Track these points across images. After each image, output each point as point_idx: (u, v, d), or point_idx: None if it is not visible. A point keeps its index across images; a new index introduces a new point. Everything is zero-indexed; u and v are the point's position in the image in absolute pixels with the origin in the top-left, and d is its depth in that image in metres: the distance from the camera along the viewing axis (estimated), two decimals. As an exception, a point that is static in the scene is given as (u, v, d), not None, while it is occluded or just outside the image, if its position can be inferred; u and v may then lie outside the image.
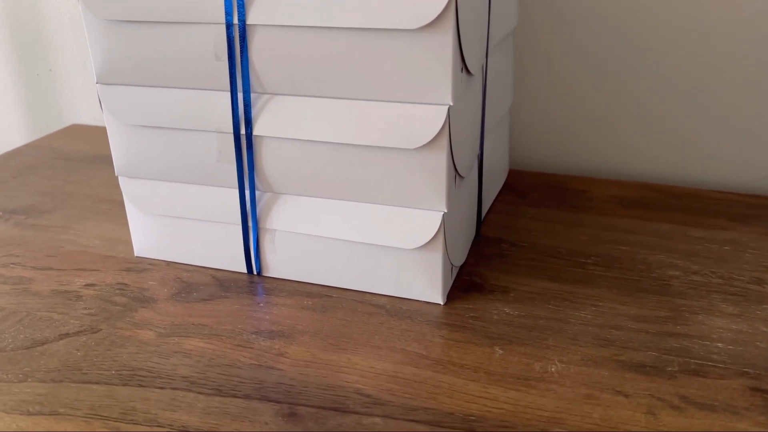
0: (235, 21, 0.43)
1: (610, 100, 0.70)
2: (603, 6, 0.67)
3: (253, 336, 0.46)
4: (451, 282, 0.51)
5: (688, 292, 0.50)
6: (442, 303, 0.49)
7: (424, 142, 0.43)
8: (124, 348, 0.45)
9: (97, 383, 0.42)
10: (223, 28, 0.44)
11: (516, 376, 0.42)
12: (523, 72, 0.71)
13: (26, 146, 0.83)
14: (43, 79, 0.92)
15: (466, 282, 0.52)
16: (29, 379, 0.42)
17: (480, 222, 0.59)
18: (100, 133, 0.87)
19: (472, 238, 0.57)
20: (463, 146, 0.47)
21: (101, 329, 0.47)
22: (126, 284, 0.52)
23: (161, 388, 0.41)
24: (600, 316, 0.47)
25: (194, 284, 0.52)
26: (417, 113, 0.43)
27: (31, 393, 0.41)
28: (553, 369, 0.42)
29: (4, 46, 0.92)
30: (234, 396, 0.40)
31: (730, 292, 0.50)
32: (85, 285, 0.52)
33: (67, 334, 0.47)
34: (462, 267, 0.53)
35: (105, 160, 0.78)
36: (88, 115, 0.93)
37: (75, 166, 0.76)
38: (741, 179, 0.69)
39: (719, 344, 0.44)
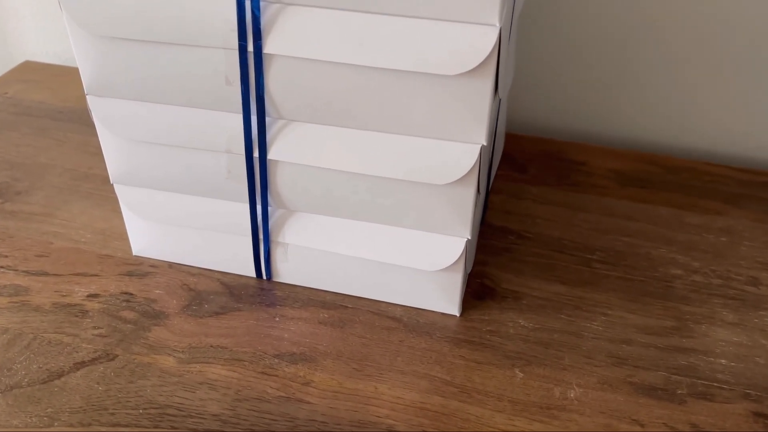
0: (250, 48, 0.39)
1: (605, 64, 0.68)
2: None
3: (276, 360, 0.46)
4: (464, 287, 0.51)
5: (691, 296, 0.52)
6: (458, 315, 0.49)
7: (455, 179, 0.41)
8: (146, 379, 0.45)
9: (126, 426, 0.42)
10: (236, 53, 0.40)
11: (538, 404, 0.44)
12: (520, 34, 0.68)
13: (-21, 94, 0.75)
14: (-17, 6, 0.83)
15: (478, 286, 0.52)
16: (56, 423, 0.42)
17: (486, 206, 0.58)
18: (58, 74, 0.80)
19: (479, 227, 0.57)
20: (486, 172, 0.46)
21: (117, 355, 0.46)
22: (132, 294, 0.51)
23: (194, 429, 0.42)
24: (610, 328, 0.49)
25: (203, 293, 0.51)
26: (448, 150, 0.41)
27: (61, 441, 0.41)
28: (572, 395, 0.44)
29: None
30: (269, 438, 0.41)
31: (729, 295, 0.52)
32: (87, 295, 0.51)
33: (83, 363, 0.46)
34: (472, 263, 0.54)
35: (72, 115, 0.72)
36: (40, 50, 0.84)
37: (42, 126, 0.70)
38: (733, 149, 0.70)
39: (723, 361, 0.47)
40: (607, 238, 0.57)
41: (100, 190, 0.61)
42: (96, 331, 0.48)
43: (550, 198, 0.62)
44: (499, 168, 0.65)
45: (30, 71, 0.81)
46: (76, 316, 0.49)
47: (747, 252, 0.56)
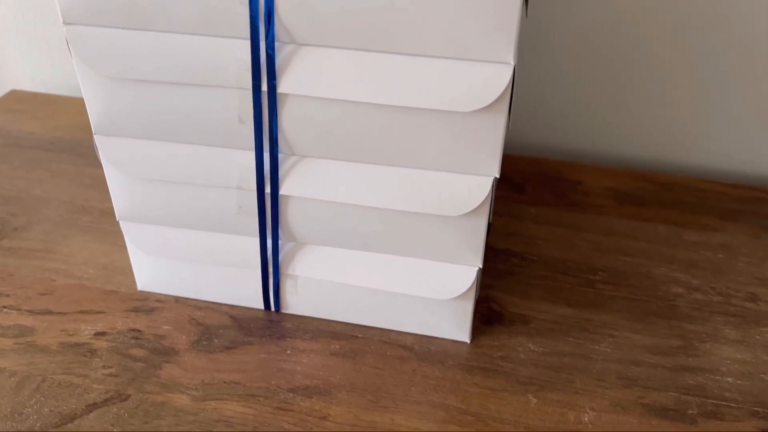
0: (264, 88, 0.39)
1: (597, 84, 0.69)
2: (602, -13, 0.64)
3: (290, 395, 0.46)
4: (473, 313, 0.51)
5: (693, 315, 0.53)
6: (468, 341, 0.50)
7: (467, 211, 0.42)
8: (161, 419, 0.44)
9: (145, 469, 0.41)
10: (249, 92, 0.40)
11: (554, 430, 0.44)
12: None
13: (-34, 125, 0.74)
14: (-33, 34, 0.81)
15: (486, 310, 0.53)
16: (72, 469, 0.41)
17: (489, 229, 0.59)
18: (46, 102, 0.79)
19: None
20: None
21: (129, 395, 0.46)
22: (140, 331, 0.50)
23: (214, 470, 0.41)
24: (618, 350, 0.50)
25: (212, 327, 0.51)
26: (461, 182, 0.41)
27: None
28: (586, 419, 0.45)
29: None
30: (290, 475, 0.41)
31: (730, 312, 0.53)
32: (95, 334, 0.50)
33: (95, 404, 0.45)
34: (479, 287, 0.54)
35: (64, 145, 0.71)
36: (26, 78, 0.83)
37: (33, 157, 0.69)
38: (723, 164, 0.71)
39: (729, 379, 0.48)
40: (609, 258, 0.58)
41: (98, 223, 0.60)
42: (106, 371, 0.47)
43: (549, 218, 0.63)
44: (498, 189, 0.66)
45: (17, 101, 0.80)
46: (85, 355, 0.48)
47: (744, 268, 0.58)
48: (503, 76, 0.36)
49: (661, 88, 0.68)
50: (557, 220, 0.63)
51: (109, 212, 0.62)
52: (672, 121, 0.70)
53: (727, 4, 0.63)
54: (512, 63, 0.36)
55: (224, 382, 0.47)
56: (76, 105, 0.78)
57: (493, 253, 0.58)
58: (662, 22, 0.65)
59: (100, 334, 0.50)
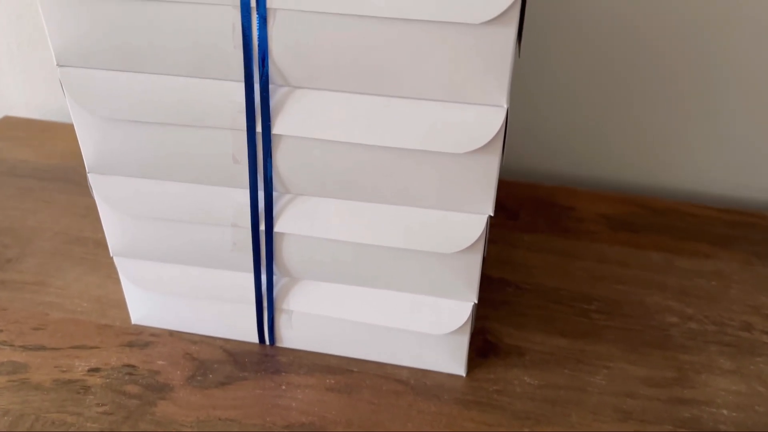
0: (258, 129, 0.39)
1: (591, 108, 0.70)
2: (592, 12, 0.65)
3: (286, 432, 0.46)
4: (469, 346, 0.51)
5: (688, 344, 0.53)
6: (464, 375, 0.50)
7: (462, 249, 0.42)
8: (155, 459, 0.44)
9: None
10: (243, 134, 0.40)
11: (551, 466, 0.44)
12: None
13: (-41, 153, 0.74)
14: (-40, 61, 0.81)
15: (482, 342, 0.53)
16: None
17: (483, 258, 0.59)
18: (41, 129, 0.79)
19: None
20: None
21: (124, 433, 0.45)
22: (134, 366, 0.50)
23: None
24: (613, 382, 0.50)
25: (207, 362, 0.50)
26: (456, 220, 0.41)
27: None
28: (582, 454, 0.45)
29: None
30: None
31: (724, 342, 0.53)
32: (88, 370, 0.50)
33: (89, 444, 0.45)
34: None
35: (57, 173, 0.71)
36: (20, 103, 0.83)
37: (27, 186, 0.69)
38: (715, 189, 0.72)
39: (724, 411, 0.48)
40: (603, 286, 0.58)
41: (92, 254, 0.60)
42: (100, 409, 0.47)
43: (543, 246, 0.63)
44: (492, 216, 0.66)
45: (11, 127, 0.80)
46: (79, 393, 0.48)
47: (737, 296, 0.58)
48: (496, 118, 0.37)
49: (654, 113, 0.69)
50: (551, 247, 0.63)
51: (103, 243, 0.62)
52: (664, 145, 0.70)
53: (718, 31, 0.63)
54: (505, 106, 0.36)
55: (219, 419, 0.47)
56: (71, 131, 0.78)
57: (488, 282, 0.58)
58: (654, 48, 0.65)
59: (93, 370, 0.50)
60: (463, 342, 0.48)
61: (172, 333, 0.53)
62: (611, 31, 0.65)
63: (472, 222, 0.41)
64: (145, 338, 0.53)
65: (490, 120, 0.37)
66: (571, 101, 0.70)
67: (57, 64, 0.40)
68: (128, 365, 0.50)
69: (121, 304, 0.55)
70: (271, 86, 0.38)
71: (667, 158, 0.71)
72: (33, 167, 0.72)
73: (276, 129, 0.39)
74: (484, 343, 0.53)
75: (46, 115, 0.83)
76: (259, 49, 0.37)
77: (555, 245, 0.63)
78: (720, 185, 0.72)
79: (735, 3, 0.62)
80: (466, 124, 0.37)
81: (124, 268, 0.49)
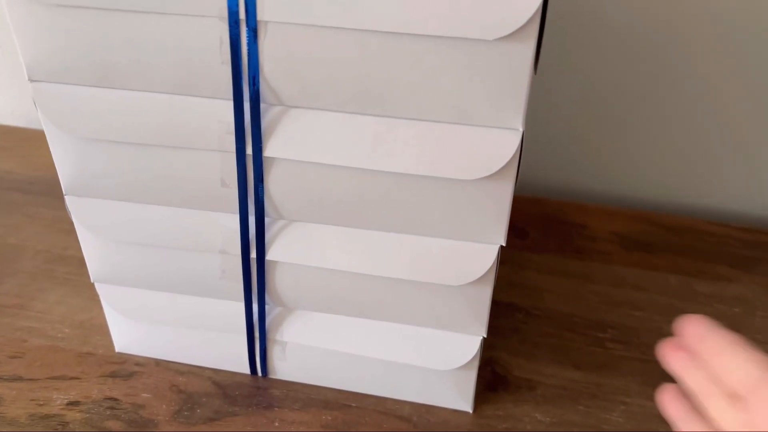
0: (249, 151, 0.36)
1: (598, 123, 0.66)
2: (600, 21, 0.61)
3: (279, 475, 0.42)
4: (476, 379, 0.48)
5: (710, 378, 0.50)
6: (470, 411, 0.46)
7: (471, 281, 0.39)
8: (137, 506, 0.41)
9: None
10: (232, 155, 0.36)
11: None
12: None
13: (-60, 163, 0.71)
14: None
15: (490, 374, 0.49)
16: None
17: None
18: (27, 138, 0.76)
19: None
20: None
21: (103, 476, 0.42)
22: (116, 399, 0.47)
23: None
24: (631, 419, 0.46)
25: (194, 395, 0.47)
26: (465, 250, 0.38)
27: None
28: (599, 502, 0.42)
29: None
30: None
31: (749, 375, 0.50)
32: (67, 403, 0.46)
33: (65, 488, 0.41)
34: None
35: (43, 186, 0.68)
36: (4, 111, 0.80)
37: (10, 200, 0.66)
38: (731, 206, 0.68)
39: (751, 453, 0.45)
40: (619, 312, 0.55)
41: (77, 275, 0.57)
42: (78, 448, 0.44)
43: (554, 267, 0.59)
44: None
45: (-5, 135, 0.76)
46: (56, 429, 0.45)
47: (762, 323, 0.54)
48: (511, 142, 0.33)
49: (667, 125, 0.65)
50: (563, 269, 0.59)
51: (88, 262, 0.58)
52: (678, 161, 0.67)
53: (735, 42, 0.60)
54: (521, 129, 0.33)
55: (207, 461, 0.43)
56: (57, 140, 0.75)
57: (496, 308, 0.55)
58: (668, 61, 0.62)
59: (73, 404, 0.46)
60: (471, 377, 0.44)
61: (158, 362, 0.49)
62: (624, 44, 0.62)
63: (482, 252, 0.38)
64: (130, 368, 0.49)
65: (504, 144, 0.33)
66: (580, 112, 0.66)
67: (29, 79, 0.36)
68: (110, 398, 0.47)
69: (105, 330, 0.51)
70: (262, 105, 0.35)
71: (681, 172, 0.68)
72: (17, 179, 0.69)
73: (268, 151, 0.36)
74: (493, 375, 0.49)
75: (32, 123, 0.80)
76: (249, 65, 0.33)
77: (566, 266, 0.60)
78: (738, 202, 0.68)
79: (760, 25, 0.58)
80: (477, 149, 0.33)
81: (107, 295, 0.46)
